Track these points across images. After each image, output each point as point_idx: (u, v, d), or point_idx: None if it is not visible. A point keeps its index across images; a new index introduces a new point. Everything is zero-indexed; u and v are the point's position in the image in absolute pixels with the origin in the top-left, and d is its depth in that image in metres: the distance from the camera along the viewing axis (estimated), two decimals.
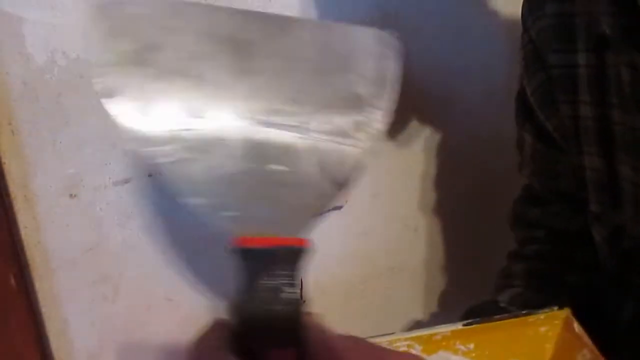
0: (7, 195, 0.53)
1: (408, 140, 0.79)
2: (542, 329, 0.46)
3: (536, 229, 0.66)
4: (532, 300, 0.58)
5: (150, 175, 0.60)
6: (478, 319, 0.48)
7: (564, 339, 0.45)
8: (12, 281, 0.55)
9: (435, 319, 0.94)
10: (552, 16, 0.55)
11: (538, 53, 0.58)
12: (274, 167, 0.31)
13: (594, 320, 0.47)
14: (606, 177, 0.53)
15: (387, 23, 0.68)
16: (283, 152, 0.31)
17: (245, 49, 0.32)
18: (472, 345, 0.46)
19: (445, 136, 0.82)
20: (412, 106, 0.77)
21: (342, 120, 0.33)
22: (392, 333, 0.48)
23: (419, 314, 0.94)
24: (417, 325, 0.92)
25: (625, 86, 0.47)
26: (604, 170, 0.53)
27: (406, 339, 0.47)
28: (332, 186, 0.31)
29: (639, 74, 0.46)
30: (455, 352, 0.46)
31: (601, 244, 0.56)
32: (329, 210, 0.76)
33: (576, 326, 0.45)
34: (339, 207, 0.77)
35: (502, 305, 0.59)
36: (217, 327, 0.29)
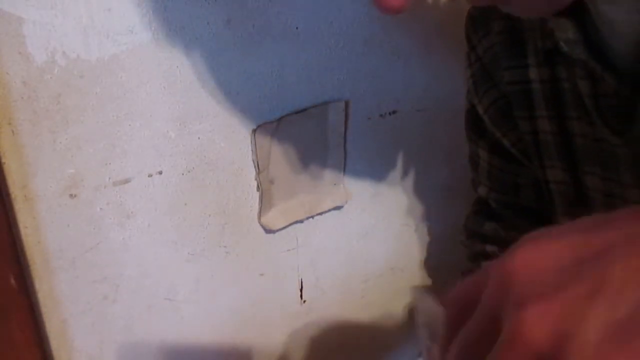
0: (7, 195, 0.53)
1: (407, 139, 0.79)
2: None
3: (490, 244, 0.65)
4: None
5: (150, 176, 0.60)
6: None
7: None
8: (12, 281, 0.55)
9: None
10: (499, 34, 0.54)
11: (487, 71, 0.57)
12: None
13: None
14: (572, 189, 0.53)
15: (385, 23, 0.68)
16: None
17: None
18: None
19: (444, 136, 0.82)
20: (410, 106, 0.77)
21: None
22: None
23: None
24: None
25: (585, 99, 0.46)
26: (569, 182, 0.53)
27: None
28: None
29: (600, 85, 0.44)
30: None
31: None
32: (329, 210, 0.76)
33: None
34: (339, 207, 0.77)
35: None
36: None
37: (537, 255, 0.21)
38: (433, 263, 0.91)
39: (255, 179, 0.67)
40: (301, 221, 0.74)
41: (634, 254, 0.19)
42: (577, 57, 0.42)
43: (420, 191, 0.84)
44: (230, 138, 0.63)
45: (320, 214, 0.75)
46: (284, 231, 0.73)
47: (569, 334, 0.18)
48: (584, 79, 0.45)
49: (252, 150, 0.65)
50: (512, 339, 0.19)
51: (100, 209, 0.59)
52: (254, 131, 0.64)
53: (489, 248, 0.65)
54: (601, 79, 0.43)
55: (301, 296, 0.78)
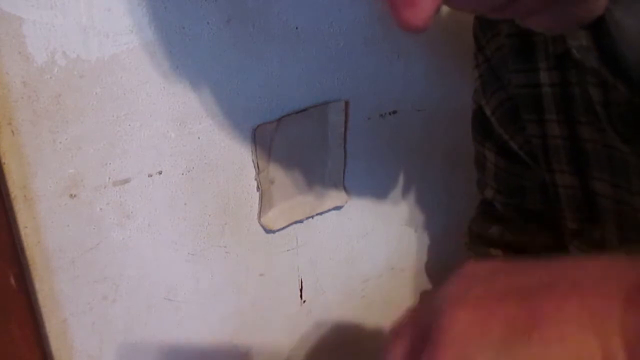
0: (7, 195, 0.53)
1: (407, 140, 0.79)
2: None
3: (496, 247, 0.65)
4: None
5: (150, 176, 0.60)
6: None
7: None
8: (12, 281, 0.55)
9: None
10: (508, 36, 0.54)
11: (495, 73, 0.57)
12: None
13: None
14: (580, 193, 0.53)
15: (385, 23, 0.68)
16: None
17: None
18: None
19: (444, 136, 0.82)
20: (410, 106, 0.77)
21: None
22: None
23: None
24: None
25: (596, 106, 0.45)
26: (578, 187, 0.52)
27: None
28: None
29: (611, 93, 0.44)
30: None
31: None
32: (329, 210, 0.76)
33: None
34: (339, 207, 0.77)
35: None
36: None
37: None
38: (433, 263, 0.91)
39: (255, 179, 0.67)
40: (301, 221, 0.74)
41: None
42: (589, 65, 0.42)
43: (420, 191, 0.84)
44: (230, 138, 0.63)
45: (320, 214, 0.75)
46: (284, 231, 0.73)
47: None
48: (595, 86, 0.45)
49: (252, 150, 0.65)
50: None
51: (100, 209, 0.59)
52: (254, 131, 0.64)
53: (494, 252, 0.65)
54: (613, 87, 0.42)
55: (301, 296, 0.78)
